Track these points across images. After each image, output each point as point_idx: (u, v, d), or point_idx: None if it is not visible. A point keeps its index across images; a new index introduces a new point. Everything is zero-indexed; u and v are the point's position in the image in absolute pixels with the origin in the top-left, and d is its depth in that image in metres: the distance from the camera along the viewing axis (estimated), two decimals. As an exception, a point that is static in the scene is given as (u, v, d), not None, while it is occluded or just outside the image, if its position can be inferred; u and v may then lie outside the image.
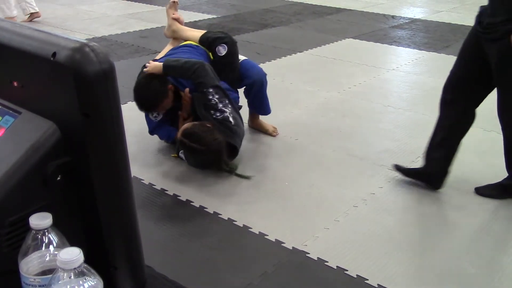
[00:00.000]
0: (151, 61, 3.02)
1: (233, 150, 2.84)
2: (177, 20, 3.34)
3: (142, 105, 2.93)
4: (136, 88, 2.92)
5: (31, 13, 6.26)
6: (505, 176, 2.65)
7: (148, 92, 2.87)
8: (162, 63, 2.88)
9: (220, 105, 2.79)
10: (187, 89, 2.93)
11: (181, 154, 2.88)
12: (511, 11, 2.17)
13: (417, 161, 2.99)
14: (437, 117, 2.63)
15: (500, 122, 2.51)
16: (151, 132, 3.12)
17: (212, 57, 3.11)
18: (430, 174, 2.69)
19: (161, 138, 3.15)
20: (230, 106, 2.84)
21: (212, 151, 2.67)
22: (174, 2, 3.40)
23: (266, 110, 3.30)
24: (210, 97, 2.78)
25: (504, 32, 2.17)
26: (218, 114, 2.78)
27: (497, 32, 2.21)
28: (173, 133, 3.02)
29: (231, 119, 2.79)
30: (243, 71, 3.14)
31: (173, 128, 3.03)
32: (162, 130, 3.09)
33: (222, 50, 3.07)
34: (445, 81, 2.56)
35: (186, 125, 2.75)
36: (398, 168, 2.79)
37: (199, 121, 2.78)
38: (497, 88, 2.40)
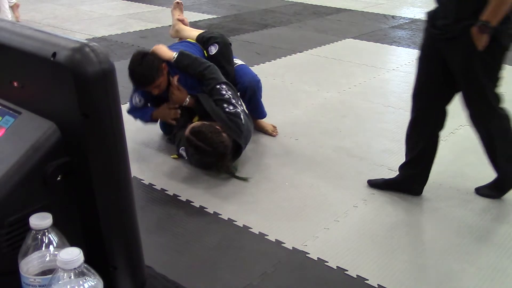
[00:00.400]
0: (161, 45, 3.02)
1: (237, 150, 2.85)
2: (182, 21, 3.39)
3: (137, 81, 2.90)
4: (130, 64, 2.90)
5: (11, 7, 6.20)
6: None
7: (143, 66, 2.85)
8: (177, 52, 2.92)
9: (233, 101, 2.83)
10: (176, 76, 2.93)
11: (182, 151, 2.87)
12: (461, 11, 2.17)
13: (417, 161, 2.99)
14: (410, 126, 2.56)
15: (472, 122, 2.47)
16: (129, 112, 3.12)
17: (206, 55, 3.15)
18: (412, 182, 2.65)
19: (135, 116, 3.14)
20: (242, 106, 2.90)
21: (217, 154, 2.68)
22: (178, 3, 3.45)
23: (260, 115, 3.32)
24: (224, 92, 2.83)
25: (460, 31, 2.18)
26: (231, 108, 2.80)
27: (452, 32, 2.21)
28: (148, 112, 3.04)
29: (242, 117, 2.82)
30: (237, 77, 3.16)
31: (150, 108, 3.04)
32: (138, 110, 3.10)
33: (213, 49, 3.11)
34: (412, 90, 2.51)
35: (196, 123, 2.76)
36: (373, 184, 2.74)
37: (209, 121, 2.77)
38: (463, 90, 2.37)
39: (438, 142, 2.55)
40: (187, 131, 2.71)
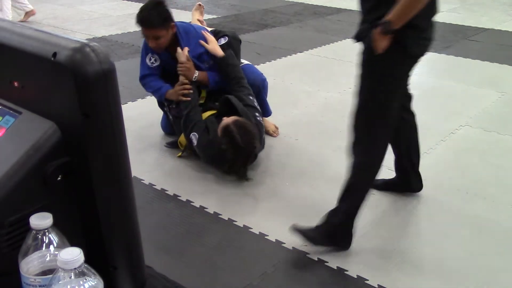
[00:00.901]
0: (208, 34, 3.09)
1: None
2: (201, 23, 3.51)
3: (142, 19, 2.91)
4: (144, 5, 2.95)
5: (26, 12, 6.26)
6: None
7: (154, 10, 2.90)
8: (224, 53, 3.04)
9: (261, 113, 3.00)
10: (186, 48, 2.96)
11: (193, 136, 2.83)
12: (372, 13, 1.98)
13: (417, 162, 2.99)
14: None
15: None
16: (141, 78, 3.14)
17: None
18: (409, 178, 2.61)
19: (149, 88, 3.15)
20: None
21: (244, 154, 2.72)
22: (200, 5, 3.65)
23: (265, 113, 3.35)
24: (255, 104, 2.97)
25: (367, 31, 1.98)
26: (260, 119, 2.95)
27: (364, 33, 2.03)
28: (165, 89, 3.03)
29: (263, 129, 2.95)
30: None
31: (168, 85, 3.04)
32: (155, 81, 3.10)
33: (222, 40, 3.16)
34: None
35: (241, 119, 2.80)
36: (373, 185, 2.62)
37: (250, 122, 2.82)
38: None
39: (415, 140, 2.51)
40: (230, 120, 2.73)
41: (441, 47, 5.47)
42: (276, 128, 3.37)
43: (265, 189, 2.73)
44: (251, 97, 2.98)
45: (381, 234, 2.37)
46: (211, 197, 2.65)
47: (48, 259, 0.80)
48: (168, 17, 2.93)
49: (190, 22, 3.53)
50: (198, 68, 3.01)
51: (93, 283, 0.74)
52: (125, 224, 0.92)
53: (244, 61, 3.31)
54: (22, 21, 6.18)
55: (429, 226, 2.45)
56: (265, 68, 4.62)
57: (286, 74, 4.56)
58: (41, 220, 0.78)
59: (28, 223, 0.79)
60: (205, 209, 2.54)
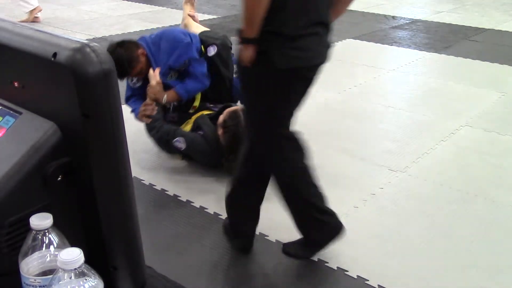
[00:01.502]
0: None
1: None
2: (192, 17, 3.43)
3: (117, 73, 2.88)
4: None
5: (31, 10, 6.26)
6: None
7: (118, 59, 2.81)
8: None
9: None
10: (157, 69, 2.88)
11: (177, 142, 2.76)
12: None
13: (417, 161, 3.00)
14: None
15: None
16: (126, 100, 3.07)
17: (203, 53, 3.10)
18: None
19: (130, 109, 3.09)
20: None
21: (236, 138, 2.66)
22: None
23: None
24: None
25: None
26: None
27: None
28: (136, 112, 2.93)
29: None
30: (235, 84, 3.13)
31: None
32: (134, 102, 3.02)
33: (212, 50, 3.07)
34: None
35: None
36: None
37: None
38: None
39: None
40: (239, 107, 2.75)
41: (441, 47, 5.47)
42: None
43: (265, 189, 2.73)
44: None
45: (381, 235, 2.37)
46: (211, 197, 2.65)
47: (48, 259, 0.80)
48: (131, 56, 2.85)
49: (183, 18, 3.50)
50: (167, 87, 2.89)
51: (93, 284, 0.74)
52: (125, 224, 0.92)
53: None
54: (23, 21, 6.19)
55: (429, 226, 2.45)
56: (265, 68, 4.62)
57: (286, 74, 4.55)
58: (41, 221, 0.78)
59: (28, 223, 0.79)
60: (205, 209, 2.54)
